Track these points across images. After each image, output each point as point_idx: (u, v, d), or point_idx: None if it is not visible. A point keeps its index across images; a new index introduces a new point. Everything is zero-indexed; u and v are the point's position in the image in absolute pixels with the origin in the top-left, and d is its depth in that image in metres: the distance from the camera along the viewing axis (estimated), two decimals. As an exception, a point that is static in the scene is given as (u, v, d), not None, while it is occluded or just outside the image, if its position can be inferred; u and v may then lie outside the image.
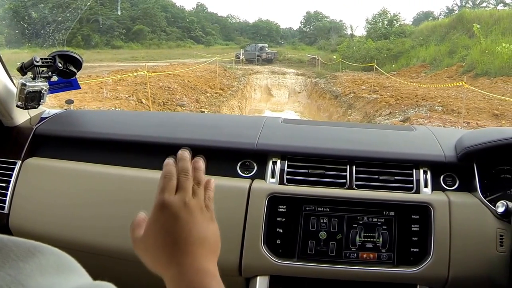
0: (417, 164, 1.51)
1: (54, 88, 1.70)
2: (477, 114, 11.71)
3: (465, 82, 12.48)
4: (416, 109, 12.45)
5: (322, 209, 1.40)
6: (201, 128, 1.70)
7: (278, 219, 1.38)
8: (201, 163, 0.84)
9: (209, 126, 1.72)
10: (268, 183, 1.47)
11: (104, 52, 36.25)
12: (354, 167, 1.49)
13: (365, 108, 14.32)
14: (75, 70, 1.67)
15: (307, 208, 1.40)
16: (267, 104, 23.35)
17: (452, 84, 14.77)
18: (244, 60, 32.76)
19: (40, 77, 1.57)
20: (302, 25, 67.98)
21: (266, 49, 37.49)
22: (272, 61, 35.65)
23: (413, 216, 1.39)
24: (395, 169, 1.50)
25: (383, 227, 1.39)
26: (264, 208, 1.38)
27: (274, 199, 1.40)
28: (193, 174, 0.81)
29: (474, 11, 28.88)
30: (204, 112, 12.46)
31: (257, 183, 1.46)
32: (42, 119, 1.75)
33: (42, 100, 1.62)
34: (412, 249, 1.37)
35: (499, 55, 18.60)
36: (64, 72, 1.66)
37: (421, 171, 1.49)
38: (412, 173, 1.49)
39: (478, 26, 21.82)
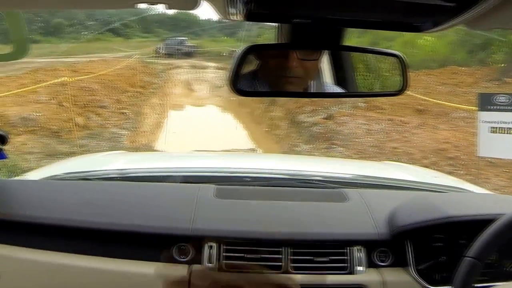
0: (351, 243, 1.51)
1: None
2: (400, 109, 11.85)
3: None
4: (339, 106, 12.29)
5: None
6: (130, 208, 1.62)
7: None
8: None
9: (138, 205, 1.65)
10: (206, 269, 1.47)
11: (22, 46, 35.22)
12: (289, 249, 1.48)
13: (288, 105, 13.95)
14: (2, 147, 1.71)
15: None
16: (188, 99, 22.87)
17: (375, 79, 14.65)
18: (164, 54, 33.00)
19: None
20: (222, 16, 68.77)
21: (186, 43, 38.63)
22: (192, 54, 36.26)
23: None
24: (329, 248, 1.50)
25: None
26: None
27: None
28: None
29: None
30: (125, 113, 12.33)
31: (196, 271, 1.44)
32: None
33: None
34: None
35: (421, 47, 18.72)
36: None
37: (355, 249, 1.50)
38: (346, 252, 1.50)
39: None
